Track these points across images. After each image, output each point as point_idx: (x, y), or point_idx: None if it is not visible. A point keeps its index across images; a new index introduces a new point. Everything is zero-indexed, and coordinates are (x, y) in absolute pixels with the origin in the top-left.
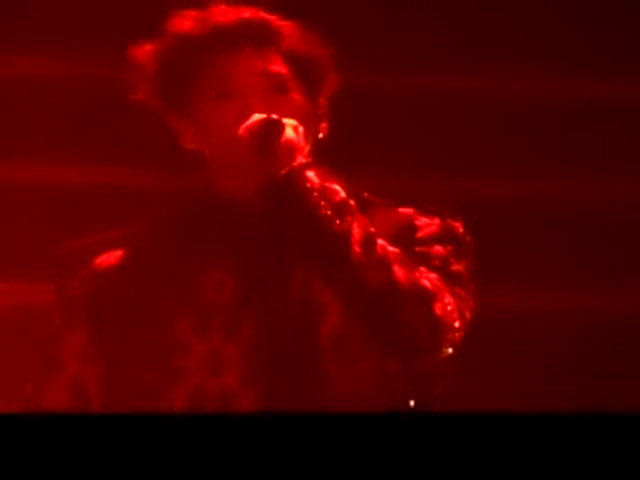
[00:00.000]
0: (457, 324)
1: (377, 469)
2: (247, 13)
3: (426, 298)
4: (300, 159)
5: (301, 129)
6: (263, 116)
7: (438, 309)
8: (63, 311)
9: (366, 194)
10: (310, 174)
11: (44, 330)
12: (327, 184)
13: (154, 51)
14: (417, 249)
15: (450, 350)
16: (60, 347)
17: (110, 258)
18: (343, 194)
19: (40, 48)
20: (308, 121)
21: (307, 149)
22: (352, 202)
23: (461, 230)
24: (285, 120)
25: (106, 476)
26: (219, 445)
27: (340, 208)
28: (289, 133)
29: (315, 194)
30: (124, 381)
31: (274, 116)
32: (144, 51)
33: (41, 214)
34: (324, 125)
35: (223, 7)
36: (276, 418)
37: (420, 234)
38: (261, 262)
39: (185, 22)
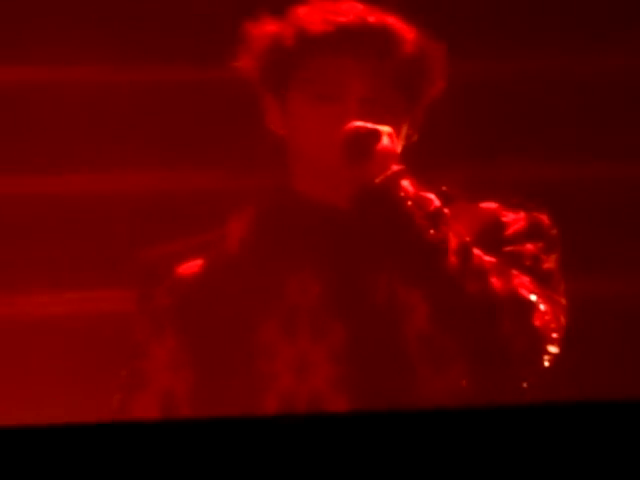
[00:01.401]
0: (555, 334)
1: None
2: (372, 17)
3: (525, 309)
4: (394, 167)
5: (396, 137)
6: (361, 124)
7: (537, 320)
8: (149, 321)
9: (444, 188)
10: (405, 183)
11: (127, 339)
12: (421, 193)
13: (271, 33)
14: (506, 249)
15: (547, 363)
16: (148, 358)
17: (193, 265)
18: (437, 203)
19: (98, 53)
20: (403, 129)
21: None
22: (446, 211)
23: (548, 223)
24: (382, 128)
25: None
26: (309, 446)
27: (435, 217)
28: (385, 142)
29: (410, 203)
30: (214, 389)
31: (372, 125)
32: (262, 29)
33: (121, 222)
34: (416, 133)
35: (351, 4)
36: (367, 417)
37: (507, 232)
38: (347, 266)
39: (311, 14)
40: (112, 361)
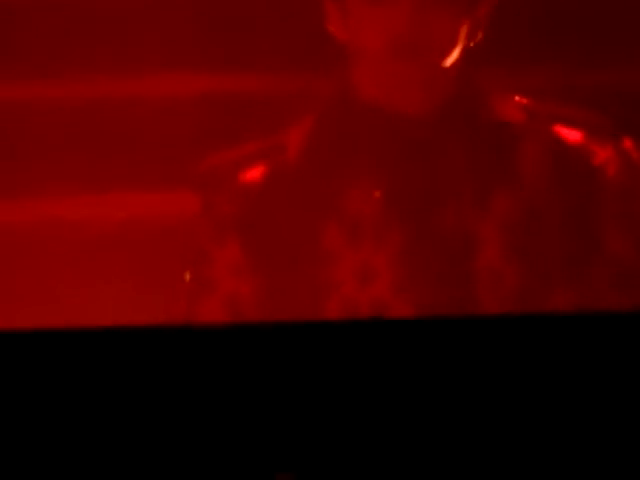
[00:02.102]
0: None
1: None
2: None
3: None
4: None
5: (455, 35)
6: (413, 24)
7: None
8: (212, 228)
9: (518, 98)
10: (481, 92)
11: (188, 243)
12: (500, 104)
13: None
14: (601, 194)
15: None
16: (212, 263)
17: (255, 172)
18: (519, 116)
19: None
20: (464, 26)
21: (460, 57)
22: (527, 128)
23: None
24: (436, 31)
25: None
26: (371, 350)
27: (516, 135)
28: (439, 41)
29: (489, 118)
30: (277, 294)
31: (425, 25)
32: None
33: (182, 126)
34: (481, 30)
35: None
36: (427, 322)
37: (594, 162)
38: (412, 176)
39: None
40: (174, 265)
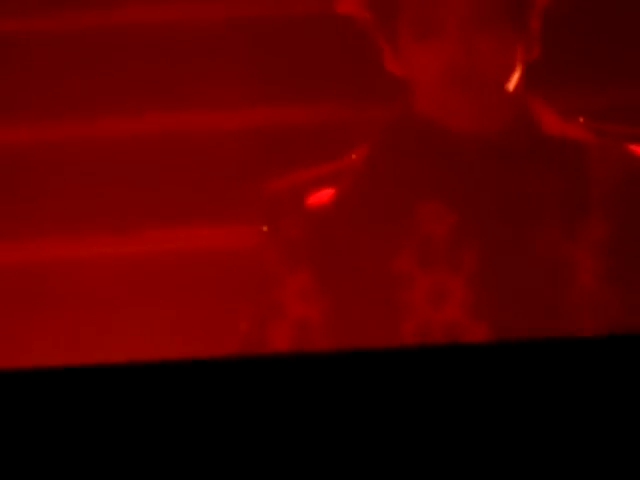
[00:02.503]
0: None
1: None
2: None
3: None
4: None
5: (509, 57)
6: (464, 55)
7: None
8: (280, 252)
9: (582, 120)
10: (544, 113)
11: (255, 271)
12: (566, 125)
13: None
14: None
15: None
16: (281, 288)
17: (322, 195)
18: (590, 139)
19: None
20: (516, 50)
21: (517, 77)
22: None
23: None
24: (488, 56)
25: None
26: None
27: (588, 160)
28: (491, 67)
29: (557, 139)
30: (348, 319)
31: (475, 53)
32: None
33: (247, 154)
34: (537, 47)
35: None
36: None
37: None
38: (484, 197)
39: None
40: (237, 296)
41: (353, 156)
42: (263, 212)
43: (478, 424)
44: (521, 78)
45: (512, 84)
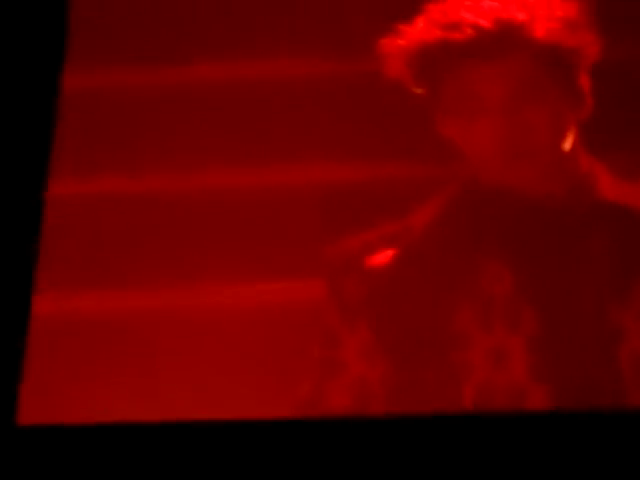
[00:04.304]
0: None
1: None
2: (502, 13)
3: None
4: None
5: (556, 124)
6: (511, 132)
7: None
8: (341, 311)
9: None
10: (603, 180)
11: (312, 329)
12: (623, 190)
13: (403, 49)
14: None
15: None
16: (341, 347)
17: (383, 256)
18: None
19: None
20: (566, 113)
21: (571, 138)
22: None
23: None
24: (537, 127)
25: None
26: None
27: None
28: (539, 138)
29: (617, 205)
30: (408, 379)
31: (521, 127)
32: (395, 47)
33: (309, 213)
34: (587, 104)
35: (470, 3)
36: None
37: None
38: (544, 259)
39: (433, 24)
40: (298, 352)
41: (414, 217)
42: (325, 272)
43: None
44: (577, 140)
45: (567, 146)
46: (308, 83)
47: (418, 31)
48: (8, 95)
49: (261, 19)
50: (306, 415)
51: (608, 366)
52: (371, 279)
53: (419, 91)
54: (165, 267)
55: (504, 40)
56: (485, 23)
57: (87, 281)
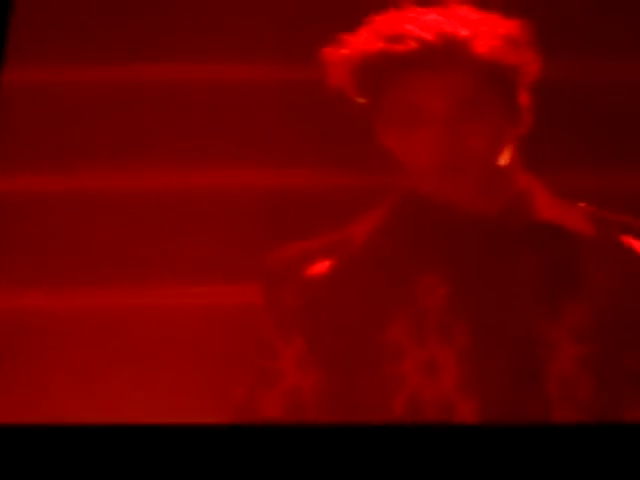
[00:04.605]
0: None
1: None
2: (445, 27)
3: None
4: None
5: (496, 140)
6: (450, 144)
7: None
8: (277, 321)
9: (583, 205)
10: (541, 196)
11: (249, 335)
12: (566, 209)
13: (346, 59)
14: None
15: None
16: (275, 357)
17: (321, 266)
18: (588, 226)
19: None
20: (506, 129)
21: (510, 154)
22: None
23: None
24: (476, 142)
25: None
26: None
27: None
28: (480, 155)
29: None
30: (340, 390)
31: (462, 142)
32: (338, 56)
33: (246, 220)
34: (527, 120)
35: (414, 16)
36: (495, 429)
37: None
38: (478, 275)
39: (376, 36)
40: (231, 357)
41: (353, 227)
42: (262, 281)
43: None
44: (516, 157)
45: (504, 162)
46: (253, 88)
47: (362, 41)
48: None
49: (205, 20)
50: (236, 421)
51: (535, 383)
52: (308, 289)
53: (361, 100)
54: (106, 267)
55: (446, 54)
56: (428, 36)
57: (35, 278)
